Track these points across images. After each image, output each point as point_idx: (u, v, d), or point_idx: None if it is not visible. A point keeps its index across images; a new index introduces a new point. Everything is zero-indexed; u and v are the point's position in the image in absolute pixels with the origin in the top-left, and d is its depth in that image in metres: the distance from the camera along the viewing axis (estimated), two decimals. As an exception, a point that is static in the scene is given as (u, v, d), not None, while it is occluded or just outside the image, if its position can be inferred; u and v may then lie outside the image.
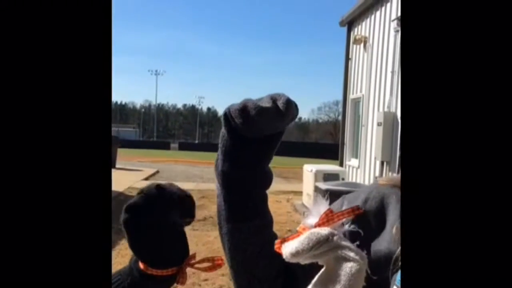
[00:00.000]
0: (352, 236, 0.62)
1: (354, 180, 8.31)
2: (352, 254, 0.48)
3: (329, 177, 7.55)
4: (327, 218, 0.52)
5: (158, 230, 0.62)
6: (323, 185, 6.16)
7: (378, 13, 7.73)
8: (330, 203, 0.67)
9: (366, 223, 0.62)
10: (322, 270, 0.50)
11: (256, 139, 0.60)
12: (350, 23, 9.28)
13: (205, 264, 0.65)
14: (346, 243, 0.50)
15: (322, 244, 0.48)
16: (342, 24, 9.60)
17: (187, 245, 0.65)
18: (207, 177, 13.04)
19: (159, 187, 0.63)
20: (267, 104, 0.55)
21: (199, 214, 7.20)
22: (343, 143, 9.56)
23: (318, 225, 0.51)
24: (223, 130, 0.61)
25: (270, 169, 0.65)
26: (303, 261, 0.50)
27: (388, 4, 7.24)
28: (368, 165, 7.86)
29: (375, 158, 7.30)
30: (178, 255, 0.64)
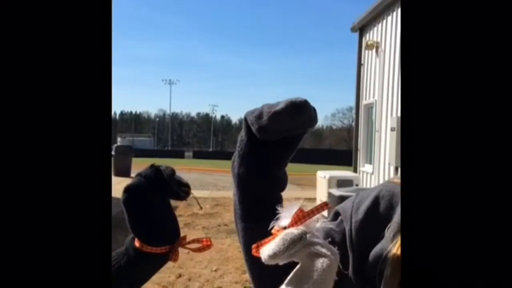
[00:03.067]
0: (364, 239, 0.63)
1: (368, 186, 8.25)
2: (323, 250, 0.50)
3: (342, 183, 7.50)
4: (298, 218, 0.53)
5: (154, 208, 0.67)
6: (336, 192, 6.11)
7: (389, 18, 7.71)
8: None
9: (377, 225, 0.63)
10: (297, 266, 0.52)
11: (274, 143, 0.61)
12: (362, 28, 9.27)
13: (195, 245, 0.70)
14: (318, 240, 0.52)
15: (296, 243, 0.50)
16: (353, 30, 9.59)
17: (179, 226, 0.70)
18: (221, 185, 13.07)
19: (153, 166, 0.68)
20: (281, 108, 0.57)
21: (213, 222, 7.21)
22: (356, 149, 9.52)
23: (291, 225, 0.53)
24: (242, 134, 0.63)
25: (286, 173, 0.66)
26: (281, 261, 0.51)
27: (399, 9, 7.22)
28: (382, 171, 7.80)
29: (389, 164, 7.25)
30: (172, 234, 0.69)
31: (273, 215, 0.65)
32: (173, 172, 0.69)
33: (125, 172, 13.63)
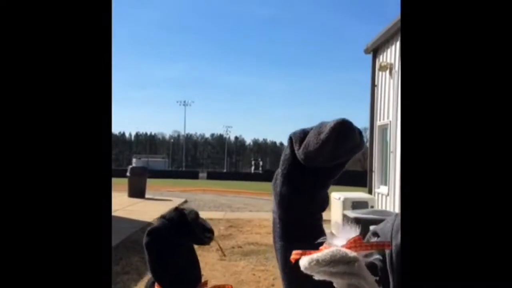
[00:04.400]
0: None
1: (383, 208, 8.14)
2: (366, 287, 0.49)
3: (357, 205, 7.41)
4: (355, 244, 0.52)
5: (176, 253, 0.66)
6: (351, 213, 6.04)
7: (402, 39, 7.73)
8: (362, 230, 0.67)
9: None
10: None
11: (318, 167, 0.61)
12: (375, 50, 9.30)
13: None
14: (365, 273, 0.50)
15: (343, 264, 0.49)
16: (367, 51, 9.63)
17: (200, 271, 0.69)
18: (235, 206, 13.03)
19: (177, 209, 0.67)
20: (325, 137, 0.56)
21: (227, 244, 7.16)
22: (371, 170, 9.43)
23: (346, 247, 0.51)
24: (286, 152, 0.62)
25: (327, 194, 0.66)
26: (317, 274, 0.50)
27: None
28: (397, 192, 7.70)
29: (404, 185, 7.16)
30: (193, 280, 0.68)
31: (311, 235, 0.63)
32: (197, 216, 0.68)
33: (139, 193, 13.69)
